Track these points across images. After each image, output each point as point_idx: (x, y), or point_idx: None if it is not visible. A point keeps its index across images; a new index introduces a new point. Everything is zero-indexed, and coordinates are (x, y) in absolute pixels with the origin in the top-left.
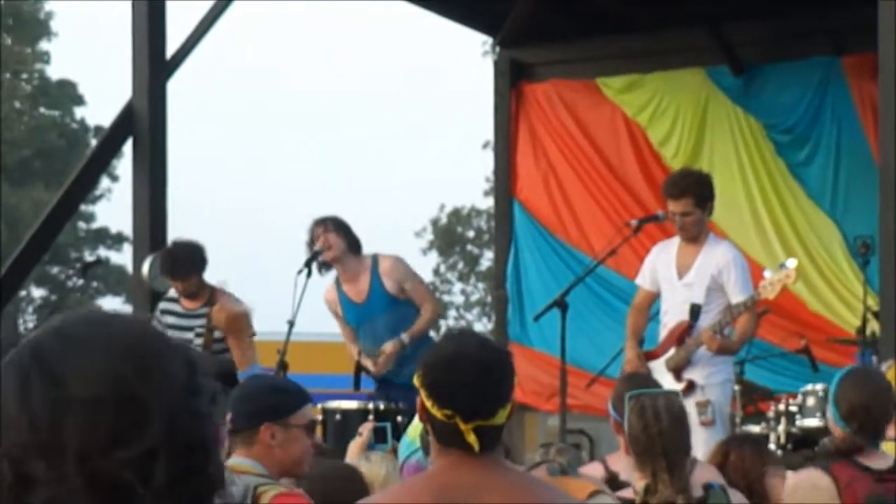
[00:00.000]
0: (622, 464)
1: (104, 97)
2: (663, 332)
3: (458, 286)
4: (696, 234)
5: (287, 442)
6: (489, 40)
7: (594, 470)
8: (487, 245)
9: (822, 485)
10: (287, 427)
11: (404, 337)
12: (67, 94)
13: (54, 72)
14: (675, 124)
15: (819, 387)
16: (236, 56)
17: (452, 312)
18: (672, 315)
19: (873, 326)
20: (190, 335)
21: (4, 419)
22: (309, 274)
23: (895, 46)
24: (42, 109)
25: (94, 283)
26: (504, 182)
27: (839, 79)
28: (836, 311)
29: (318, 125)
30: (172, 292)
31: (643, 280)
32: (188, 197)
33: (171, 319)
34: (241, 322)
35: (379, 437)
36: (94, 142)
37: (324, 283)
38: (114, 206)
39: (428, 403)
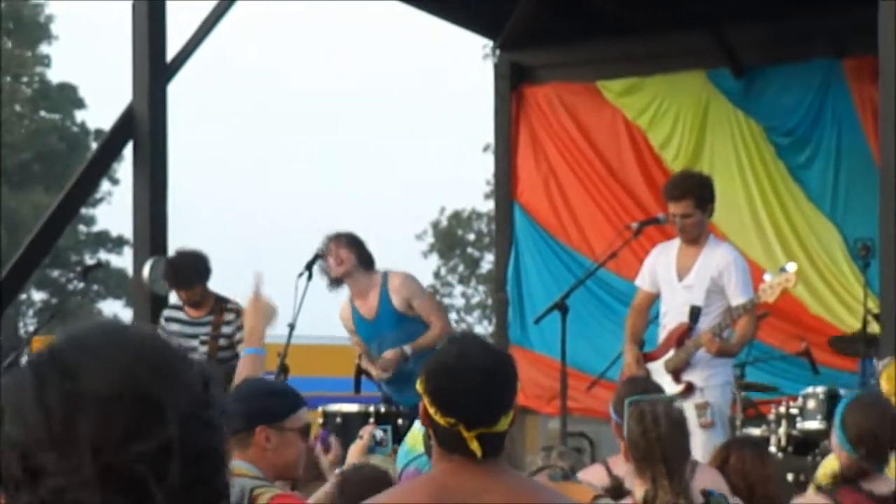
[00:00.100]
0: (624, 466)
1: (104, 100)
2: (663, 334)
3: (458, 289)
4: (696, 236)
5: (282, 445)
6: (490, 43)
7: (596, 472)
8: (488, 248)
9: None
10: (282, 430)
11: (407, 348)
12: (68, 97)
13: (55, 75)
14: (676, 127)
15: (819, 389)
16: (236, 56)
17: (453, 315)
18: (672, 317)
19: (874, 328)
20: (195, 343)
21: (19, 413)
22: (310, 277)
23: (895, 49)
24: (42, 113)
25: (95, 287)
26: (504, 185)
27: (840, 81)
28: (836, 313)
29: (319, 126)
30: (176, 299)
31: (643, 281)
32: (188, 200)
33: (175, 327)
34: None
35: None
36: (94, 145)
37: (323, 284)
38: (114, 210)
39: (431, 410)
